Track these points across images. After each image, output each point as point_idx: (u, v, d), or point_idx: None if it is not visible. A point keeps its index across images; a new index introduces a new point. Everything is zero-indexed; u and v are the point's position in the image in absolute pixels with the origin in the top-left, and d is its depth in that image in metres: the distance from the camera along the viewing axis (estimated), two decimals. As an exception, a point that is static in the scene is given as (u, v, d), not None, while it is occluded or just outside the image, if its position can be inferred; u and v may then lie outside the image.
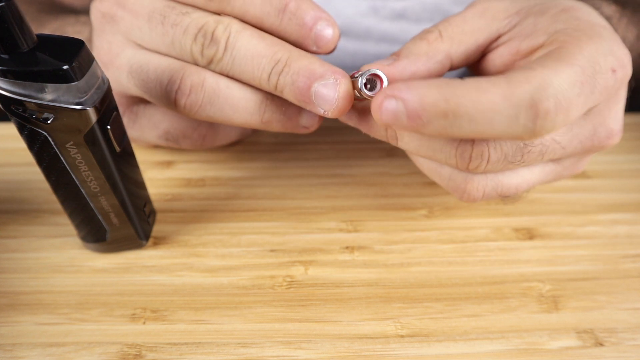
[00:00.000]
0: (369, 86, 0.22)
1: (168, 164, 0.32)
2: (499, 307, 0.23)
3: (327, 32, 0.23)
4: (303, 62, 0.22)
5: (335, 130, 0.35)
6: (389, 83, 0.21)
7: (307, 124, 0.25)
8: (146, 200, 0.26)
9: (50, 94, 0.19)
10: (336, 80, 0.22)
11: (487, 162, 0.21)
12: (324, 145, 0.33)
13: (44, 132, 0.20)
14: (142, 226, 0.25)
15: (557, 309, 0.23)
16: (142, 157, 0.32)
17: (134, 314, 0.23)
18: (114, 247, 0.26)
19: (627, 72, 0.21)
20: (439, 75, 0.24)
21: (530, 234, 0.27)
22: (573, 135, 0.22)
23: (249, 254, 0.26)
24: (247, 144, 0.34)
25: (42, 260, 0.26)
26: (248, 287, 0.24)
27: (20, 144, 0.32)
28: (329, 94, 0.22)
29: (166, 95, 0.24)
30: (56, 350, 0.22)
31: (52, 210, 0.28)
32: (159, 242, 0.27)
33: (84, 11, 0.36)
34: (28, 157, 0.32)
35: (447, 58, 0.24)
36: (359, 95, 0.22)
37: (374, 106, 0.20)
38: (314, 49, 0.24)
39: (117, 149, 0.22)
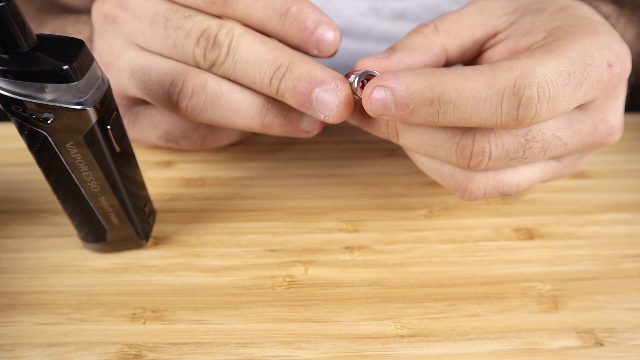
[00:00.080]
0: (362, 86, 0.22)
1: (168, 164, 0.32)
2: (499, 307, 0.23)
3: (328, 35, 0.23)
4: (304, 68, 0.22)
5: (335, 130, 0.35)
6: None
7: (308, 129, 0.25)
8: (146, 200, 0.26)
9: (50, 94, 0.19)
10: (337, 86, 0.22)
11: (489, 158, 0.21)
12: (324, 145, 0.33)
13: (44, 132, 0.20)
14: (142, 226, 0.25)
15: (557, 309, 0.23)
16: (142, 157, 0.32)
17: (134, 314, 0.23)
18: (114, 247, 0.26)
19: (625, 67, 0.21)
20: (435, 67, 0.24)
21: (530, 234, 0.27)
22: (574, 131, 0.22)
23: (249, 254, 0.26)
24: (247, 144, 0.34)
25: (42, 260, 0.26)
26: (248, 287, 0.24)
27: (20, 144, 0.32)
28: (330, 99, 0.22)
29: (168, 98, 0.24)
30: (56, 350, 0.22)
31: (52, 210, 0.28)
32: (159, 242, 0.27)
33: (84, 11, 0.36)
34: (28, 157, 0.32)
35: (442, 51, 0.24)
36: (356, 95, 0.22)
37: (364, 97, 0.21)
38: (315, 52, 0.24)
39: (117, 149, 0.22)
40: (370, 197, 0.30)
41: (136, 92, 0.25)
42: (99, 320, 0.23)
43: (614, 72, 0.21)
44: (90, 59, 0.20)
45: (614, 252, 0.26)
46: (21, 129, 0.20)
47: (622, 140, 0.33)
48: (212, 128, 0.28)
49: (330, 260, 0.26)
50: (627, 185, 0.30)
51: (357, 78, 0.22)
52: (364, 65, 0.23)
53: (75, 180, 0.22)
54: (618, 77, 0.21)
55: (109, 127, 0.21)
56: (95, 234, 0.25)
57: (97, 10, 0.25)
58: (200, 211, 0.29)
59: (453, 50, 0.24)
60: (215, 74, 0.24)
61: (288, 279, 0.25)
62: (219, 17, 0.23)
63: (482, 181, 0.23)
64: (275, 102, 0.24)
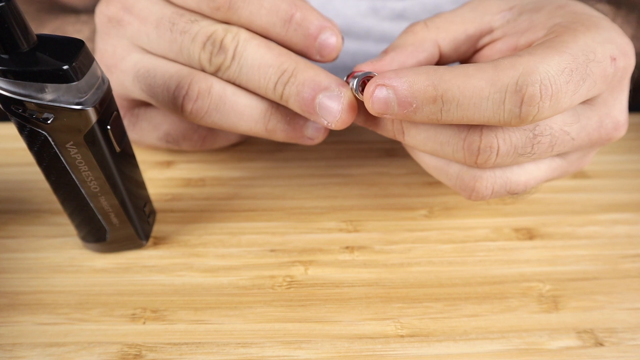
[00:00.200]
0: (361, 89, 0.22)
1: (168, 164, 0.32)
2: (499, 307, 0.23)
3: (331, 41, 0.24)
4: (309, 74, 0.23)
5: (335, 130, 0.35)
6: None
7: (312, 136, 0.25)
8: (146, 200, 0.26)
9: (50, 94, 0.19)
10: (340, 93, 0.22)
11: (497, 154, 0.21)
12: (324, 145, 0.33)
13: (44, 132, 0.20)
14: (142, 226, 0.25)
15: (557, 309, 0.23)
16: (142, 157, 0.32)
17: (134, 314, 0.23)
18: (114, 247, 0.26)
19: (629, 60, 0.21)
20: (429, 64, 0.24)
21: (530, 234, 0.27)
22: (581, 126, 0.22)
23: (249, 254, 0.26)
24: (247, 144, 0.34)
25: (42, 260, 0.26)
26: (248, 287, 0.24)
27: (20, 144, 0.32)
28: (333, 106, 0.22)
29: (173, 101, 0.24)
30: (56, 350, 0.22)
31: (52, 210, 0.28)
32: (159, 242, 0.27)
33: (84, 10, 0.36)
34: (28, 157, 0.32)
35: (434, 46, 0.24)
36: (358, 97, 0.22)
37: (366, 96, 0.21)
38: (318, 57, 0.24)
39: (117, 149, 0.22)
40: (370, 197, 0.30)
41: (140, 94, 0.25)
42: (99, 320, 0.23)
43: (618, 66, 0.21)
44: (90, 59, 0.20)
45: (614, 252, 0.26)
46: (21, 129, 0.20)
47: (622, 140, 0.33)
48: (212, 130, 0.28)
49: (330, 260, 0.26)
50: (627, 185, 0.30)
51: (355, 80, 0.22)
52: (360, 70, 0.23)
53: (75, 180, 0.22)
54: (623, 70, 0.21)
55: (109, 127, 0.21)
56: (95, 234, 0.25)
57: (101, 12, 0.25)
58: (200, 211, 0.29)
59: (446, 45, 0.24)
60: (221, 78, 0.24)
61: (288, 279, 0.25)
62: (223, 22, 0.23)
63: (490, 180, 0.22)
64: (279, 108, 0.24)
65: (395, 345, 0.22)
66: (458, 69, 0.19)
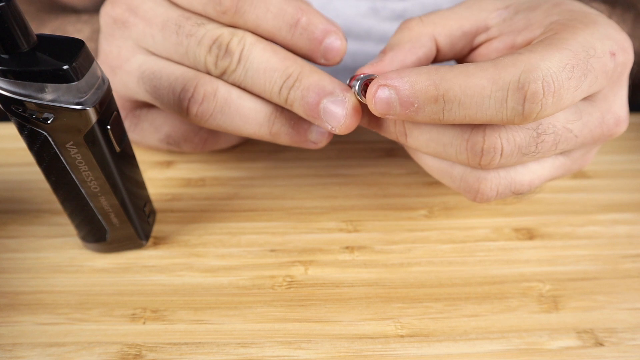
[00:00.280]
0: (364, 91, 0.22)
1: (168, 164, 0.32)
2: (499, 307, 0.23)
3: (336, 45, 0.24)
4: (314, 78, 0.23)
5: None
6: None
7: (316, 140, 0.25)
8: (146, 200, 0.26)
9: (50, 94, 0.19)
10: (345, 98, 0.22)
11: (501, 155, 0.21)
12: (324, 145, 0.33)
13: (44, 132, 0.20)
14: (142, 226, 0.25)
15: (557, 309, 0.23)
16: (142, 157, 0.32)
17: (134, 314, 0.23)
18: (114, 247, 0.26)
19: (628, 56, 0.21)
20: (428, 59, 0.25)
21: (530, 234, 0.27)
22: (583, 123, 0.22)
23: (249, 254, 0.26)
24: (247, 144, 0.34)
25: (42, 260, 0.26)
26: (248, 287, 0.24)
27: (20, 144, 0.32)
28: (337, 111, 0.23)
29: (178, 103, 0.24)
30: (56, 350, 0.22)
31: (52, 210, 0.28)
32: (159, 242, 0.27)
33: (85, 10, 0.36)
34: (28, 157, 0.32)
35: (431, 40, 0.24)
36: (361, 99, 0.23)
37: (369, 96, 0.21)
38: (322, 61, 0.24)
39: (117, 149, 0.22)
40: (370, 197, 0.30)
41: (144, 96, 0.25)
42: (99, 320, 0.23)
43: (618, 61, 0.21)
44: (90, 59, 0.20)
45: (614, 252, 0.26)
46: (21, 129, 0.20)
47: (622, 140, 0.33)
48: (213, 132, 0.29)
49: (330, 260, 0.26)
50: (627, 185, 0.30)
51: (358, 83, 0.22)
52: (362, 72, 0.23)
53: (75, 180, 0.22)
54: (622, 65, 0.21)
55: (109, 127, 0.21)
56: (95, 234, 0.25)
57: (106, 14, 0.25)
58: (200, 211, 0.29)
59: (442, 41, 0.24)
60: (226, 82, 0.24)
61: (288, 279, 0.25)
62: (229, 26, 0.23)
63: (494, 181, 0.22)
64: (283, 111, 0.25)
65: (395, 345, 0.22)
66: (459, 68, 0.19)
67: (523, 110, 0.19)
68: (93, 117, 0.20)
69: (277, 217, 0.28)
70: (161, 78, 0.24)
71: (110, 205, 0.23)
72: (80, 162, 0.21)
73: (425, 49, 0.24)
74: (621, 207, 0.29)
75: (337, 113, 0.23)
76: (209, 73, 0.24)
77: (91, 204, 0.23)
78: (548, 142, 0.21)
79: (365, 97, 0.22)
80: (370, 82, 0.22)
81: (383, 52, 0.24)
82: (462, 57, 0.26)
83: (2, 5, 0.17)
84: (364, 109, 0.23)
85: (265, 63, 0.23)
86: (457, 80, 0.19)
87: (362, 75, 0.22)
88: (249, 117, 0.24)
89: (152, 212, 0.27)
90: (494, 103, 0.19)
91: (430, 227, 0.28)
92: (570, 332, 0.22)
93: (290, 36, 0.23)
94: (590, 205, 0.29)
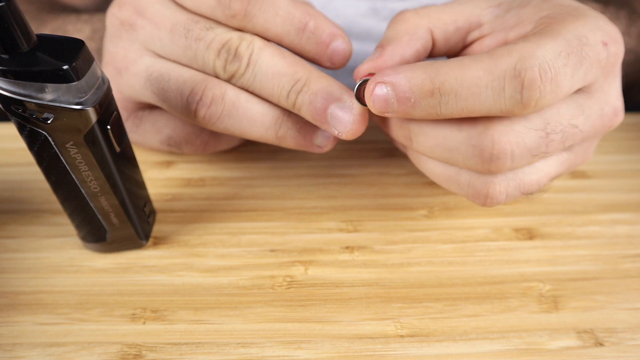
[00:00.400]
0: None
1: (168, 164, 0.32)
2: (499, 307, 0.23)
3: (342, 48, 0.24)
4: (322, 83, 0.23)
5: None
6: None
7: (322, 144, 0.25)
8: (146, 200, 0.26)
9: (50, 94, 0.19)
10: (352, 104, 0.23)
11: (511, 159, 0.21)
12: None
13: (44, 132, 0.20)
14: (142, 226, 0.25)
15: (557, 309, 0.23)
16: (142, 157, 0.32)
17: (134, 314, 0.23)
18: (114, 247, 0.26)
19: (619, 46, 0.22)
20: (426, 51, 0.25)
21: (530, 234, 0.27)
22: (586, 117, 0.22)
23: (249, 254, 0.26)
24: (247, 144, 0.34)
25: (42, 260, 0.26)
26: (248, 287, 0.24)
27: (20, 144, 0.32)
28: (345, 116, 0.23)
29: (186, 106, 0.24)
30: (56, 350, 0.22)
31: (52, 210, 0.28)
32: (159, 242, 0.27)
33: (85, 10, 0.36)
34: (28, 157, 0.32)
35: (428, 33, 0.24)
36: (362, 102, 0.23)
37: (367, 95, 0.21)
38: (329, 64, 0.25)
39: (117, 149, 0.22)
40: (370, 197, 0.30)
41: (150, 98, 0.25)
42: (99, 320, 0.23)
43: (610, 51, 0.21)
44: (91, 59, 0.20)
45: (614, 252, 0.26)
46: (21, 129, 0.20)
47: (622, 140, 0.33)
48: (214, 134, 0.29)
49: (330, 260, 0.26)
50: (627, 185, 0.30)
51: (355, 87, 0.22)
52: (359, 71, 0.23)
53: (75, 180, 0.22)
54: (614, 56, 0.21)
55: (109, 127, 0.21)
56: (95, 234, 0.25)
57: (112, 15, 0.25)
58: (200, 211, 0.29)
59: (437, 34, 0.24)
60: (234, 85, 0.24)
61: (288, 279, 0.25)
62: (238, 29, 0.23)
63: (503, 184, 0.22)
64: (290, 115, 0.25)
65: (395, 345, 0.22)
66: (454, 61, 0.20)
67: (522, 98, 0.19)
68: (93, 117, 0.20)
69: (277, 217, 0.28)
70: (169, 80, 0.24)
71: (110, 205, 0.23)
72: (80, 162, 0.21)
73: (423, 40, 0.24)
74: (621, 207, 0.29)
75: (345, 119, 0.23)
76: (217, 77, 0.24)
77: (91, 204, 0.23)
78: (557, 141, 0.21)
79: (363, 100, 0.22)
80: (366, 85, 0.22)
81: (381, 47, 0.24)
82: (455, 53, 0.26)
83: (2, 5, 0.17)
84: (371, 114, 0.23)
85: (273, 67, 0.23)
86: (453, 73, 0.19)
87: (360, 81, 0.22)
88: (256, 120, 0.24)
89: (152, 212, 0.27)
90: (492, 93, 0.19)
91: (430, 227, 0.28)
92: (570, 332, 0.22)
93: (298, 40, 0.24)
94: (590, 205, 0.29)
